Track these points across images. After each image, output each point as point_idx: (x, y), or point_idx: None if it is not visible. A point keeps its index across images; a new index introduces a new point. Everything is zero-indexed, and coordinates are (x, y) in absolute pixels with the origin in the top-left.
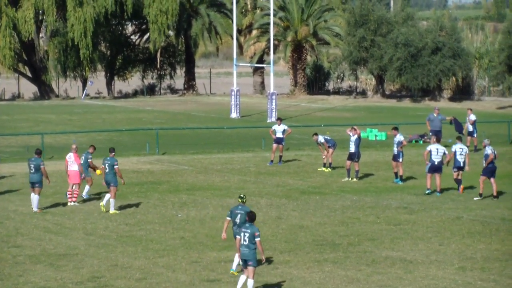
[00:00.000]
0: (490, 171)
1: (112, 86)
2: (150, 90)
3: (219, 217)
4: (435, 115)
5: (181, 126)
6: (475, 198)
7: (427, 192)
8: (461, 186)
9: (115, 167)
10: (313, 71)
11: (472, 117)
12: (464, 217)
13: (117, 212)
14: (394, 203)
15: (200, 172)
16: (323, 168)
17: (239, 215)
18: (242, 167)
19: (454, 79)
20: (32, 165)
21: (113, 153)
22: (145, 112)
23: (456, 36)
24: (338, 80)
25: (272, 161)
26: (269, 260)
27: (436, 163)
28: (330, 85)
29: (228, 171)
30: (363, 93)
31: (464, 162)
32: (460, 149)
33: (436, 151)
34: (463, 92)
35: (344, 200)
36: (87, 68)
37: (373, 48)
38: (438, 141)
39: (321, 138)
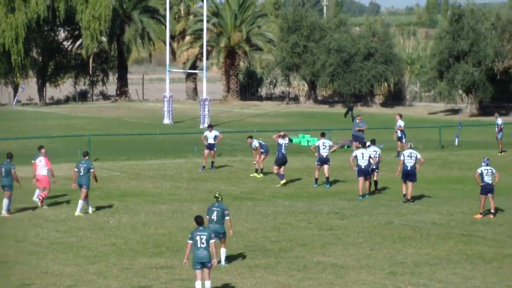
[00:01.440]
0: (405, 174)
1: (44, 93)
2: (82, 96)
3: (150, 223)
4: (357, 121)
5: (114, 132)
6: (405, 202)
7: (360, 197)
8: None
9: (91, 170)
10: (246, 77)
11: (400, 122)
12: (395, 222)
13: (81, 215)
14: (326, 208)
15: (132, 179)
16: (255, 174)
17: (215, 212)
18: (175, 173)
19: (386, 84)
20: (3, 169)
21: (87, 157)
22: (77, 118)
23: (389, 42)
24: (271, 86)
25: (204, 167)
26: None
27: (363, 167)
28: (263, 91)
29: (161, 177)
30: (296, 99)
31: (376, 164)
32: (374, 152)
33: (361, 155)
34: (395, 97)
35: (276, 205)
36: (18, 75)
37: (305, 54)
38: (363, 146)
39: (255, 143)
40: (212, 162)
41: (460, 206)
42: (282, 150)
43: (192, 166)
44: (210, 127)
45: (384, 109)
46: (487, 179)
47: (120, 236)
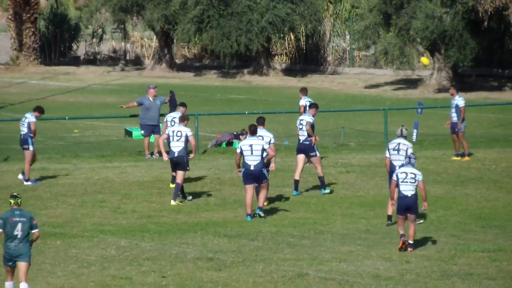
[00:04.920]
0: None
1: None
2: None
3: None
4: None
5: None
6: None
7: (248, 218)
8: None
9: None
10: (51, 24)
11: (302, 102)
12: (310, 273)
13: None
14: (192, 251)
15: None
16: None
17: (19, 225)
18: None
19: (292, 37)
20: None
21: None
22: None
23: None
24: (94, 41)
25: None
26: None
27: (252, 167)
28: (81, 49)
29: None
30: (138, 63)
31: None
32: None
33: (249, 149)
34: (308, 60)
35: (106, 246)
36: None
37: None
38: (252, 132)
39: None
40: None
41: (423, 243)
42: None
43: None
44: None
45: (289, 80)
46: (404, 189)
47: None
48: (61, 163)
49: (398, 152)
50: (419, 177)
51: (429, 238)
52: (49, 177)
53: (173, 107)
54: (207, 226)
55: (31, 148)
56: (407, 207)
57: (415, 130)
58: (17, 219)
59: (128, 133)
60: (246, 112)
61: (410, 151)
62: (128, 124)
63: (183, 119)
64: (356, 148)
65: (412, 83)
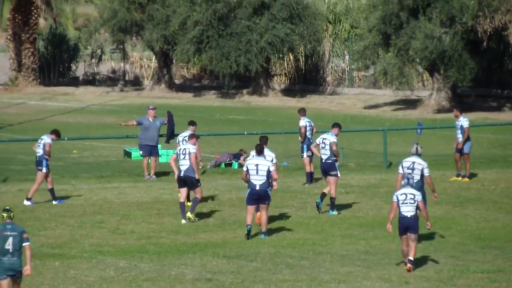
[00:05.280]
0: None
1: None
2: None
3: None
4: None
5: None
6: None
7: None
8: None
9: None
10: (50, 45)
11: (302, 123)
12: None
13: None
14: (190, 272)
15: None
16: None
17: (10, 239)
18: None
19: (291, 58)
20: None
21: None
22: None
23: None
24: (93, 61)
25: None
26: None
27: (257, 187)
28: (80, 69)
29: None
30: (137, 83)
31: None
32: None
33: (254, 168)
34: (307, 80)
35: (105, 267)
36: None
37: (152, 4)
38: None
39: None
40: None
41: (422, 264)
42: None
43: None
44: None
45: (288, 100)
46: (405, 210)
47: None
48: (60, 184)
49: (412, 171)
50: (418, 197)
51: (428, 259)
52: (47, 198)
53: (170, 128)
54: (206, 247)
55: (44, 170)
56: (407, 227)
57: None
58: (8, 233)
59: (127, 154)
60: (245, 133)
61: (426, 171)
62: (127, 144)
63: (191, 137)
64: (355, 168)
65: (411, 104)
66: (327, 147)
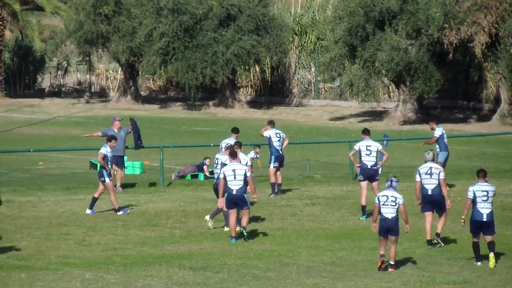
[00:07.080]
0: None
1: None
2: None
3: None
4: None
5: None
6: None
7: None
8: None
9: None
10: (16, 56)
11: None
12: None
13: None
14: (158, 284)
15: None
16: None
17: None
18: None
19: (257, 69)
20: None
21: None
22: None
23: None
24: (59, 73)
25: None
26: None
27: (234, 191)
28: (46, 81)
29: None
30: (103, 95)
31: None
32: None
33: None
34: (274, 92)
35: (71, 279)
36: None
37: (118, 16)
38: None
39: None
40: None
41: (389, 275)
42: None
43: None
44: None
45: (254, 112)
46: (385, 211)
47: None
48: (26, 196)
49: (430, 176)
50: (400, 200)
51: (395, 270)
52: (14, 209)
53: (136, 134)
54: (172, 258)
55: (107, 180)
56: (388, 228)
57: (379, 162)
58: None
59: (93, 166)
60: (212, 144)
61: (442, 175)
62: (93, 156)
63: (229, 148)
64: (321, 180)
65: (377, 115)
66: (374, 153)
